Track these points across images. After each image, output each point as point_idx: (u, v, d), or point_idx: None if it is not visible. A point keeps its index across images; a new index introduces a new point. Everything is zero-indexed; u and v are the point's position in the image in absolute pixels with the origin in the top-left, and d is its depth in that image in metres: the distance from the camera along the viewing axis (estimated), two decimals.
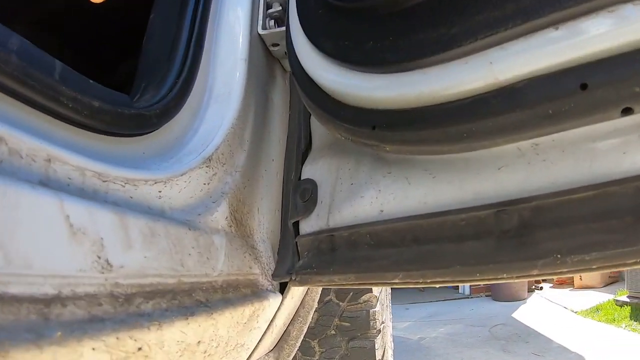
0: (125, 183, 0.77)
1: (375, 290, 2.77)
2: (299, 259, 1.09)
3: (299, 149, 1.24)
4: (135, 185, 0.79)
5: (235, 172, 1.10)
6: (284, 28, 1.24)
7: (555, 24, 0.65)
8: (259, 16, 1.32)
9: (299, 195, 1.13)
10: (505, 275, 0.75)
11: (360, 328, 2.71)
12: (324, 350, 2.73)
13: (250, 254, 1.07)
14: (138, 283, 0.69)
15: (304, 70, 1.02)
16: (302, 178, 1.17)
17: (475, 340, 5.58)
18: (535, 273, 0.71)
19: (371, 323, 2.70)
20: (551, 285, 9.80)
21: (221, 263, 0.93)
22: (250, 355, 1.13)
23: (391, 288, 3.86)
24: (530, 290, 9.08)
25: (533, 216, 0.73)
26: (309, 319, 1.53)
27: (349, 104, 0.91)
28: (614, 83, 0.61)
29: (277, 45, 1.36)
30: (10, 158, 0.57)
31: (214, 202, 0.99)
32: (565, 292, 8.62)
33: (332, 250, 1.00)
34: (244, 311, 0.95)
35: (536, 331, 5.76)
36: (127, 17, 2.09)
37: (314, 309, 1.57)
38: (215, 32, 1.23)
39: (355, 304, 2.73)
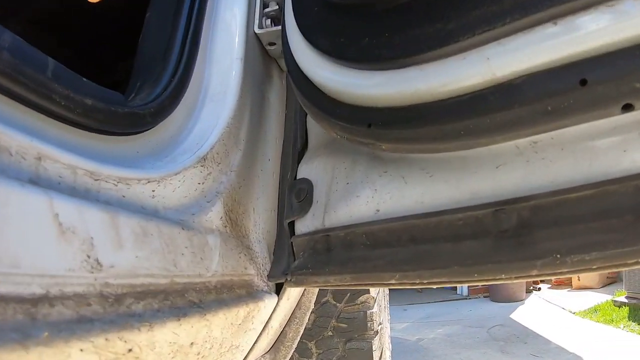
0: (118, 182, 0.76)
1: (373, 291, 2.76)
2: (294, 260, 1.08)
3: (295, 148, 1.23)
4: (128, 184, 0.79)
5: (231, 171, 1.09)
6: (280, 27, 1.23)
7: (553, 18, 0.64)
8: (255, 15, 1.32)
9: (294, 195, 1.12)
10: (503, 276, 0.74)
11: (358, 329, 2.70)
12: (321, 351, 2.72)
13: (245, 255, 1.06)
14: (129, 283, 0.68)
15: (299, 68, 1.02)
16: (298, 178, 1.16)
17: (473, 341, 5.57)
18: (534, 273, 0.70)
19: (369, 324, 2.69)
20: (549, 286, 9.81)
21: (215, 263, 0.92)
22: (245, 357, 1.12)
23: (389, 289, 3.85)
24: (528, 291, 9.09)
25: (532, 215, 0.72)
26: (306, 320, 1.52)
27: (345, 102, 0.90)
28: (615, 79, 0.60)
29: (274, 44, 1.35)
30: None
31: (208, 202, 0.98)
32: (563, 293, 8.63)
33: (327, 251, 0.99)
34: (239, 312, 0.94)
35: (534, 332, 5.76)
36: (126, 16, 2.09)
37: (310, 310, 1.56)
38: (211, 30, 1.22)
39: (353, 305, 2.72)
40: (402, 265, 0.85)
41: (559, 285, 9.47)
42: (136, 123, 0.88)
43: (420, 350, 5.32)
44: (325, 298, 2.74)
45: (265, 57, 1.38)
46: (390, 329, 3.62)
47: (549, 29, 0.64)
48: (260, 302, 1.04)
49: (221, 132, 1.07)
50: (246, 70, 1.20)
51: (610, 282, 8.61)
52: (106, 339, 0.60)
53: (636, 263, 0.63)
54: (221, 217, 1.00)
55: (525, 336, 5.59)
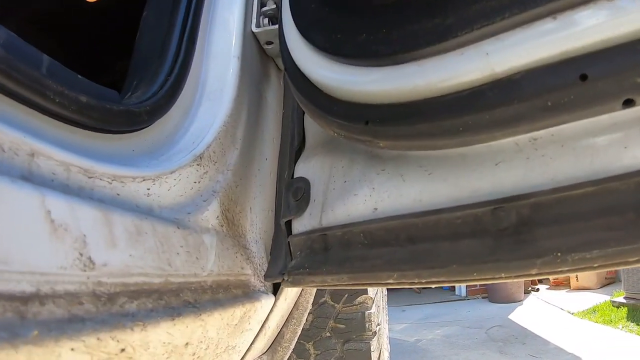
0: (112, 180, 0.76)
1: (371, 291, 2.75)
2: (291, 259, 1.07)
3: (292, 147, 1.22)
4: (123, 182, 0.78)
5: (227, 170, 1.08)
6: (277, 26, 1.22)
7: (552, 13, 0.63)
8: (253, 14, 1.32)
9: (291, 194, 1.12)
10: (503, 275, 0.73)
11: (356, 330, 2.69)
12: (319, 352, 2.71)
13: (242, 254, 1.05)
14: (122, 282, 0.67)
15: (296, 65, 1.01)
16: (295, 176, 1.15)
17: (472, 342, 5.57)
18: (534, 272, 0.69)
19: (367, 325, 2.68)
20: (548, 286, 9.81)
21: (211, 263, 0.91)
22: (242, 358, 1.12)
23: (387, 290, 3.84)
24: (527, 292, 9.08)
25: (532, 213, 0.71)
26: (303, 321, 1.52)
27: (342, 99, 0.89)
28: (615, 74, 0.59)
29: (271, 43, 1.35)
30: None
31: (204, 201, 0.98)
32: (561, 294, 8.62)
33: (325, 250, 0.98)
34: (235, 312, 0.93)
35: (533, 332, 5.75)
36: (124, 16, 2.09)
37: (308, 311, 1.55)
38: (209, 29, 1.22)
39: (351, 306, 2.71)
40: (400, 265, 0.84)
41: (557, 285, 9.47)
42: (131, 121, 0.88)
43: (418, 351, 5.31)
44: (323, 298, 2.73)
45: (263, 56, 1.38)
46: (389, 330, 3.61)
47: (548, 24, 0.64)
48: (257, 302, 1.03)
49: (218, 131, 1.07)
50: (243, 69, 1.20)
51: (609, 282, 8.61)
52: (98, 339, 0.59)
53: (638, 261, 0.62)
54: (217, 217, 1.00)
55: (523, 337, 5.58)
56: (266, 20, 1.32)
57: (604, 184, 0.66)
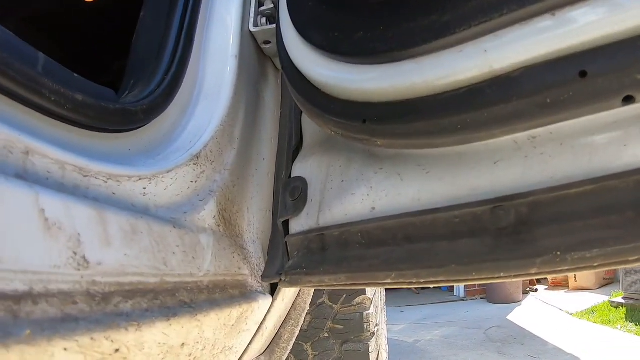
0: (108, 179, 0.75)
1: (369, 292, 2.75)
2: (288, 259, 1.07)
3: (290, 146, 1.22)
4: (119, 181, 0.78)
5: (224, 170, 1.08)
6: (275, 25, 1.22)
7: (551, 10, 0.62)
8: (251, 13, 1.32)
9: (288, 194, 1.11)
10: (502, 274, 0.72)
11: (354, 331, 2.69)
12: (317, 353, 2.71)
13: (239, 254, 1.04)
14: (117, 281, 0.66)
15: (293, 64, 1.00)
16: (293, 176, 1.15)
17: (470, 342, 5.56)
18: (533, 272, 0.69)
19: (365, 326, 2.68)
20: (546, 287, 9.81)
21: (208, 263, 0.90)
22: (239, 359, 1.11)
23: (386, 290, 3.84)
24: (525, 292, 9.08)
25: (531, 212, 0.71)
26: (301, 322, 1.51)
27: (339, 98, 0.88)
28: (615, 70, 0.59)
29: (269, 42, 1.35)
30: None
31: (201, 201, 0.97)
32: (560, 294, 8.62)
33: (322, 250, 0.97)
34: (232, 313, 0.93)
35: (531, 333, 5.75)
36: (122, 15, 2.09)
37: (306, 311, 1.55)
38: (206, 28, 1.22)
39: (349, 307, 2.71)
40: (398, 265, 0.83)
41: (556, 286, 9.46)
42: (128, 120, 0.87)
43: (417, 352, 5.31)
44: (321, 299, 2.73)
45: (261, 56, 1.38)
46: (387, 331, 3.60)
47: (547, 21, 0.63)
48: (254, 302, 1.03)
49: (215, 130, 1.06)
50: (241, 68, 1.20)
51: (607, 282, 8.61)
52: (92, 339, 0.58)
53: (638, 260, 0.62)
54: (214, 216, 0.99)
55: (522, 337, 5.58)
56: (264, 20, 1.32)
57: (603, 182, 0.65)
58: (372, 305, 2.77)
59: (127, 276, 0.68)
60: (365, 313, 2.70)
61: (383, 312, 3.35)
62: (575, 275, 8.50)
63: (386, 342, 3.33)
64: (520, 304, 8.09)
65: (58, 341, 0.53)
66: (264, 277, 1.11)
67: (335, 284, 0.94)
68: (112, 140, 0.85)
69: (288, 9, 1.05)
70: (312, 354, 2.72)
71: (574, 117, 0.66)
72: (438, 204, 0.82)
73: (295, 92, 1.00)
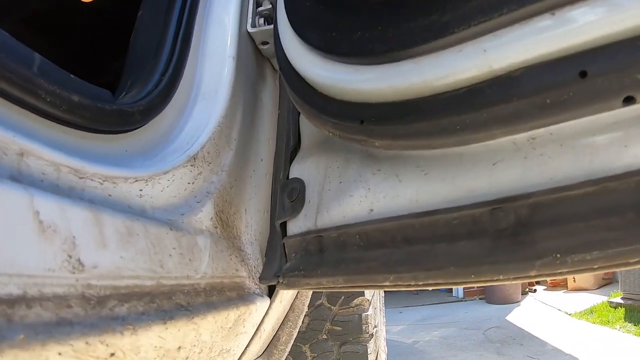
0: (104, 180, 0.75)
1: (368, 293, 2.75)
2: (286, 261, 1.06)
3: (288, 147, 1.22)
4: (115, 183, 0.77)
5: (222, 171, 1.07)
6: (272, 26, 1.21)
7: (551, 9, 0.62)
8: (248, 14, 1.31)
9: (286, 195, 1.11)
10: (501, 277, 0.72)
11: (353, 332, 2.68)
12: (316, 355, 2.70)
13: (236, 256, 1.04)
14: (112, 285, 0.65)
15: (291, 65, 1.00)
16: (290, 177, 1.14)
17: (469, 343, 5.56)
18: (533, 274, 0.68)
19: (364, 327, 2.68)
20: (545, 287, 9.81)
21: (205, 265, 0.89)
22: None
23: (384, 291, 3.84)
24: (524, 293, 9.09)
25: (530, 214, 0.70)
26: (299, 323, 1.51)
27: (336, 98, 0.88)
28: (616, 70, 0.58)
29: (267, 43, 1.34)
30: None
31: (198, 202, 0.97)
32: (559, 294, 8.63)
33: (320, 252, 0.97)
34: (229, 315, 0.92)
35: (530, 334, 5.75)
36: (120, 16, 2.08)
37: (304, 313, 1.54)
38: (204, 28, 1.21)
39: (347, 308, 2.70)
40: (396, 267, 0.83)
41: (554, 286, 9.47)
42: (124, 121, 0.87)
43: (416, 353, 5.30)
44: (320, 301, 2.72)
45: (258, 56, 1.37)
46: (386, 332, 3.60)
47: (547, 20, 0.63)
48: (251, 304, 1.02)
49: (212, 131, 1.06)
50: (239, 69, 1.19)
51: (606, 283, 8.62)
52: (87, 343, 0.57)
53: (638, 262, 0.61)
54: (211, 218, 0.98)
55: (521, 338, 5.58)
56: (262, 21, 1.32)
57: (604, 183, 0.65)
58: (371, 306, 2.77)
59: (122, 279, 0.68)
60: (363, 314, 2.69)
61: (382, 313, 3.34)
62: (573, 276, 8.50)
63: (385, 343, 3.33)
64: (519, 305, 8.09)
65: (52, 345, 0.53)
66: (261, 279, 1.10)
67: (333, 286, 0.93)
68: (109, 142, 0.84)
69: (285, 9, 1.04)
70: (310, 356, 2.71)
71: (574, 118, 0.66)
72: (437, 205, 0.81)
73: (293, 93, 0.99)
